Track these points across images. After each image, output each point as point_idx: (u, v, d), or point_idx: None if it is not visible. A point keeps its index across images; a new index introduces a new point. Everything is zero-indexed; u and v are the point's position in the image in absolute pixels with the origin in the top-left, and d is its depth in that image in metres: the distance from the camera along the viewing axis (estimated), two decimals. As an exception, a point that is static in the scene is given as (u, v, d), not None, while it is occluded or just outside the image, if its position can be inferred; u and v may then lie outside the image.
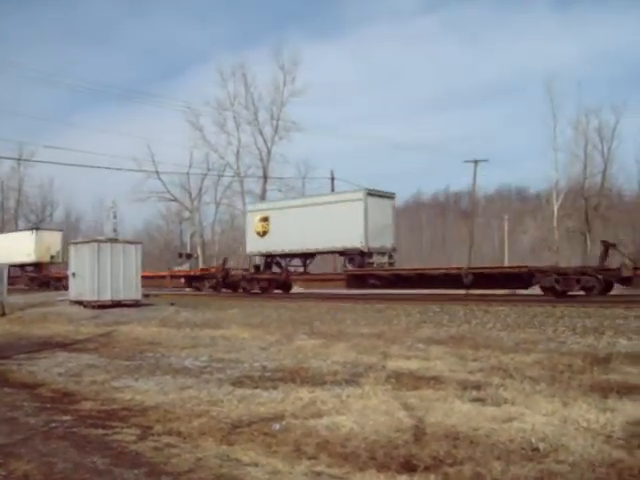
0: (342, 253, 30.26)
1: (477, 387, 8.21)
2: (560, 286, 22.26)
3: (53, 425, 7.00)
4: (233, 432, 6.48)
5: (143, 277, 25.42)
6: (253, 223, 33.37)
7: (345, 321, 17.05)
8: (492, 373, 9.32)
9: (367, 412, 7.00)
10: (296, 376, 9.48)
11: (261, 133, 63.06)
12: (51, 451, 5.97)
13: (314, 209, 30.75)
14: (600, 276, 21.74)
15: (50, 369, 10.91)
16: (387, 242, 30.19)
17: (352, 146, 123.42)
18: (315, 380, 9.16)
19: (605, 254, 23.34)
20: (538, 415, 6.62)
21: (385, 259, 30.27)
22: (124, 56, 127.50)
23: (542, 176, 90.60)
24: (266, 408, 7.43)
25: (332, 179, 51.49)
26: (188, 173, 64.21)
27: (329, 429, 6.41)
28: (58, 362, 11.72)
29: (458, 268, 26.09)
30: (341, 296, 26.94)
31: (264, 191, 61.92)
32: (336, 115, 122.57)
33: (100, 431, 6.69)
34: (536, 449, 5.54)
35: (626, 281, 21.70)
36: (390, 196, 31.32)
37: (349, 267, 29.50)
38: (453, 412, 6.89)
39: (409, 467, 5.24)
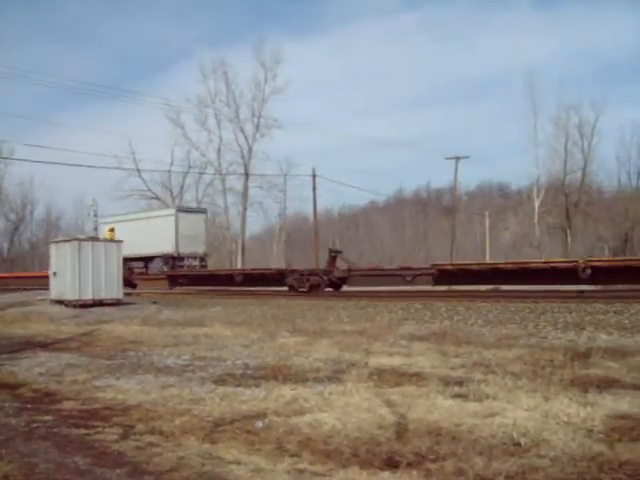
0: (162, 257, 37.33)
1: (459, 383, 8.25)
2: (297, 283, 28.05)
3: (34, 425, 6.95)
4: (215, 430, 6.47)
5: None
6: (104, 233, 39.58)
7: (327, 318, 17.06)
8: (474, 369, 9.36)
9: (349, 409, 7.01)
10: (278, 374, 9.47)
11: (242, 130, 63.14)
12: (32, 451, 5.93)
13: (145, 222, 38.02)
14: (325, 276, 27.83)
15: (31, 369, 10.83)
16: (199, 249, 37.61)
17: (334, 143, 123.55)
18: (297, 377, 9.16)
19: (332, 260, 28.80)
20: (520, 410, 6.66)
21: (197, 262, 37.57)
22: (105, 54, 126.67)
23: (523, 172, 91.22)
24: (248, 406, 7.42)
25: (314, 176, 51.46)
26: (169, 171, 64.28)
27: (311, 426, 6.41)
28: (39, 362, 11.64)
29: (233, 270, 35.94)
30: (323, 294, 27.01)
31: (246, 189, 61.96)
32: (318, 112, 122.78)
33: (82, 431, 6.65)
34: (518, 444, 5.57)
35: (343, 280, 27.91)
36: (202, 211, 40.95)
37: (165, 269, 36.99)
38: (435, 408, 6.92)
39: (392, 463, 5.26)
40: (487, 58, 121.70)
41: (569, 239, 56.88)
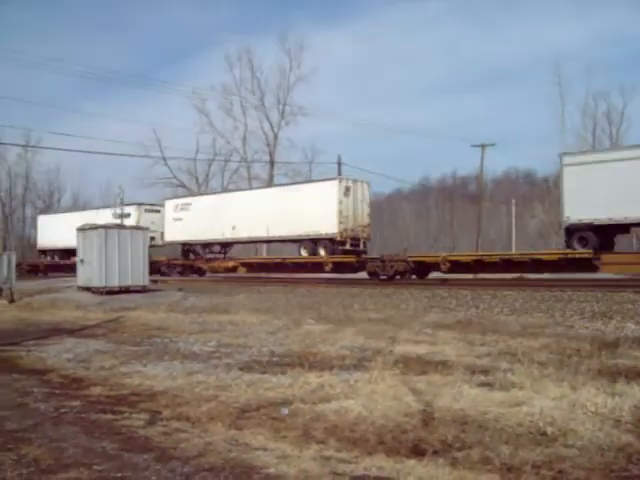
0: None
1: (485, 372, 8.22)
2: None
3: (63, 411, 7.03)
4: (242, 417, 6.50)
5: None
6: None
7: (353, 306, 17.06)
8: (500, 357, 9.32)
9: (375, 397, 7.01)
10: (304, 361, 9.49)
11: (267, 118, 63.14)
12: (61, 436, 6.00)
13: None
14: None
15: (59, 355, 10.96)
16: None
17: (360, 130, 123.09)
18: (323, 365, 9.18)
19: None
20: (546, 399, 6.62)
21: None
22: (132, 42, 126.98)
23: (550, 160, 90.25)
24: (274, 393, 7.45)
25: (339, 164, 51.28)
26: (195, 159, 64.42)
27: (337, 414, 6.42)
28: (67, 348, 11.77)
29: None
30: (349, 281, 26.98)
31: (271, 176, 61.92)
32: (344, 99, 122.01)
33: (109, 416, 6.72)
34: (544, 433, 5.54)
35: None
36: None
37: None
38: (461, 397, 6.90)
39: (418, 451, 5.25)
40: (515, 44, 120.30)
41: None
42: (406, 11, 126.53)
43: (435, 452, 5.21)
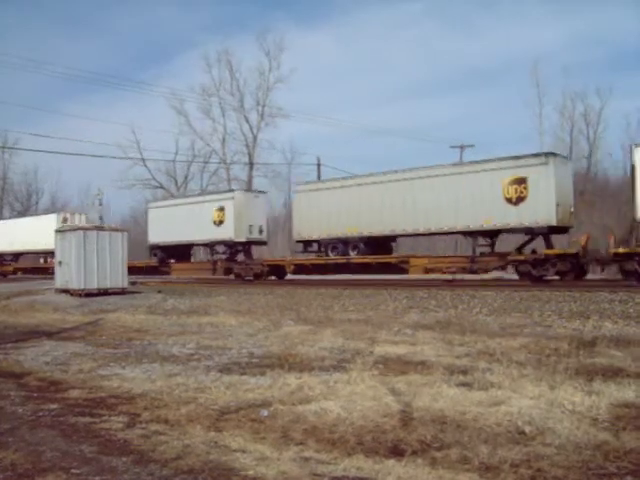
0: None
1: (464, 372, 8.26)
2: None
3: (40, 414, 6.97)
4: (221, 419, 6.49)
5: None
6: None
7: (332, 307, 17.07)
8: (479, 357, 9.37)
9: (355, 398, 7.02)
10: (284, 362, 9.49)
11: (247, 119, 62.99)
12: (38, 440, 5.95)
13: None
14: None
15: (37, 358, 10.86)
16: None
17: (339, 131, 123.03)
18: (303, 366, 9.18)
19: None
20: (525, 399, 6.66)
21: None
22: (110, 43, 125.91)
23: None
24: (254, 394, 7.44)
25: (318, 165, 51.34)
26: (174, 160, 64.17)
27: (317, 415, 6.42)
28: (45, 351, 11.67)
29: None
30: (328, 282, 27.02)
31: (250, 178, 61.79)
32: (324, 100, 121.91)
33: (87, 419, 6.67)
34: (523, 432, 5.58)
35: None
36: None
37: None
38: (440, 397, 6.92)
39: (397, 452, 5.26)
40: (493, 46, 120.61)
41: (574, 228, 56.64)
42: (386, 12, 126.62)
43: (414, 452, 5.22)
